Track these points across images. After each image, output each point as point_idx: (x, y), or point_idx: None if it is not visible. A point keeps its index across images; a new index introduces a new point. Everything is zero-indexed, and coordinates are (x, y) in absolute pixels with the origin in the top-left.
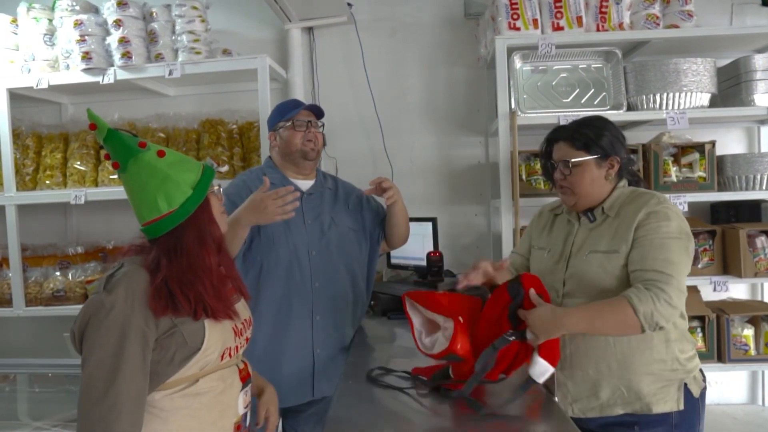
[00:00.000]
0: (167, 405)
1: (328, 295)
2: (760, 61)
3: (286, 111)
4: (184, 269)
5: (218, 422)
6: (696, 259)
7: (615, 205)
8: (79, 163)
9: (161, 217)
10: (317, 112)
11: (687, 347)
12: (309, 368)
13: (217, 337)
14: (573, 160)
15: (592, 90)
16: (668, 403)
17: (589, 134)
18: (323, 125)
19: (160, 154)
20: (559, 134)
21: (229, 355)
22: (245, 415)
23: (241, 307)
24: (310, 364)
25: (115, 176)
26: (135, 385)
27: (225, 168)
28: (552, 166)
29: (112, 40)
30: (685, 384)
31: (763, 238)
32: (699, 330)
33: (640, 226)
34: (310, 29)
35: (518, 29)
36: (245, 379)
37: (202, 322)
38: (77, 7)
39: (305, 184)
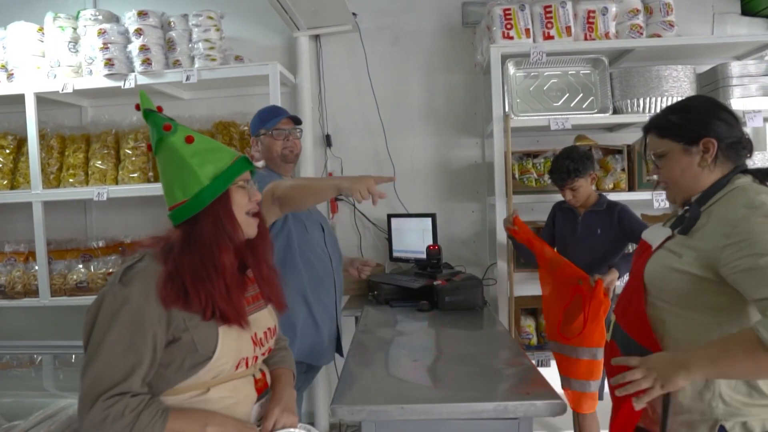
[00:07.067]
0: None
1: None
2: (735, 68)
3: (267, 119)
4: (196, 263)
5: None
6: None
7: None
8: (99, 162)
9: (176, 206)
10: (296, 121)
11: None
12: (335, 334)
13: (232, 345)
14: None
15: (581, 94)
16: None
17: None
18: (301, 132)
19: (189, 139)
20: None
21: (246, 365)
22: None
23: (266, 315)
24: (335, 330)
25: (134, 174)
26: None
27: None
28: None
29: (133, 47)
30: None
31: None
32: None
33: None
34: (317, 37)
35: (512, 38)
36: (261, 391)
37: (216, 329)
38: (100, 17)
39: None
